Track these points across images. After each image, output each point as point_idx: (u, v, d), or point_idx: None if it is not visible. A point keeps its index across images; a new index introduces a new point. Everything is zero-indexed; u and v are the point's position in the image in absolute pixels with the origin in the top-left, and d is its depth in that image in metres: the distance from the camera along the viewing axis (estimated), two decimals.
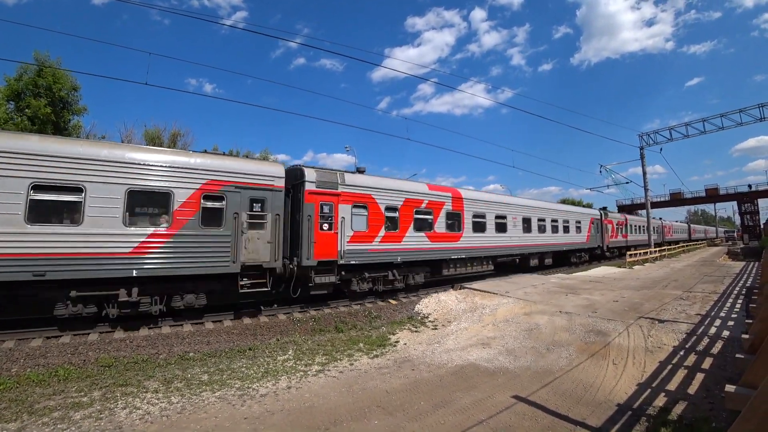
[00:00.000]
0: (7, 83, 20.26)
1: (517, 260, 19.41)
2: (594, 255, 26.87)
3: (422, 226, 13.45)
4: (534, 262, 19.85)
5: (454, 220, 14.82)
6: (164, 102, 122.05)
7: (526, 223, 19.09)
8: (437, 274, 14.60)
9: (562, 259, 23.72)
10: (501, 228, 17.26)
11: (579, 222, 23.90)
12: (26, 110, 19.87)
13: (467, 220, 15.37)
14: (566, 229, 22.41)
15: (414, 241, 12.97)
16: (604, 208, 30.10)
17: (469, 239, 15.33)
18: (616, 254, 30.70)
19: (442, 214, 14.25)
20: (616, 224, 30.06)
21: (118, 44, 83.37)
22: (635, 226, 34.68)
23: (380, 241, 11.90)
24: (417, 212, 13.26)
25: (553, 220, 21.15)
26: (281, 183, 10.02)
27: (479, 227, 16.05)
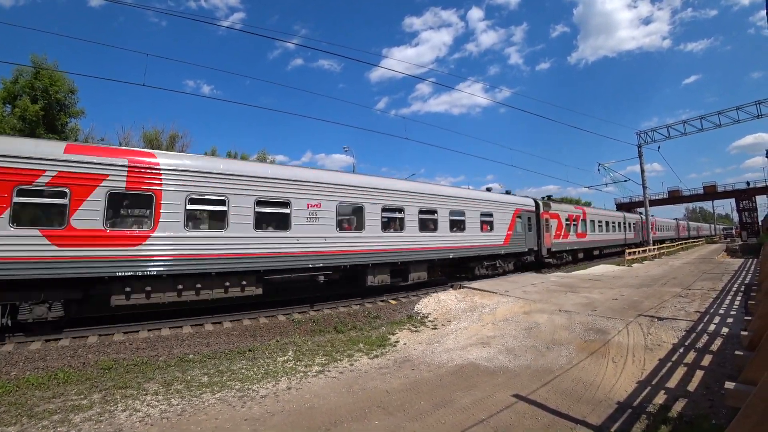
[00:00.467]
0: (3, 86, 20.22)
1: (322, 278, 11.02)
2: (525, 262, 19.55)
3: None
4: (377, 279, 12.05)
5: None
6: (162, 103, 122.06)
7: (348, 214, 11.68)
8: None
9: (459, 270, 16.07)
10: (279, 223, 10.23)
11: (489, 215, 16.64)
12: (14, 110, 19.83)
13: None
14: (459, 226, 15.06)
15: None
16: (549, 197, 24.59)
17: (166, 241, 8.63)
18: (567, 260, 23.79)
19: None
20: (566, 219, 22.99)
21: (115, 46, 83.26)
22: (600, 222, 28.27)
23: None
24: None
25: (426, 211, 13.67)
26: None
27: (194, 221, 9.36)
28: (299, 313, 10.44)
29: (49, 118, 20.79)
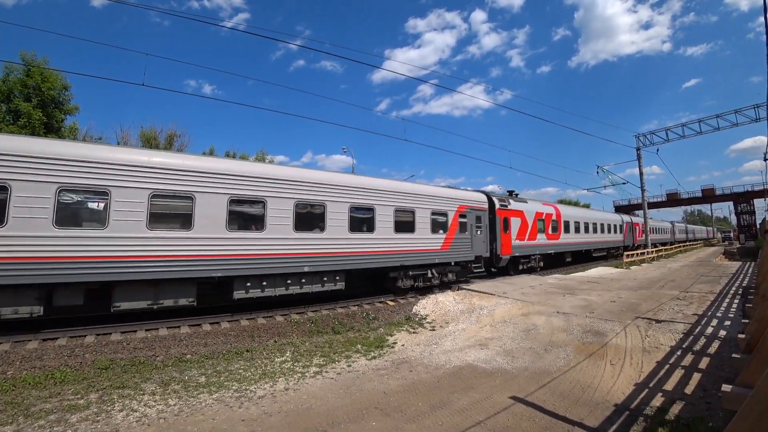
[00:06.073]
0: None
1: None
2: (474, 272, 15.95)
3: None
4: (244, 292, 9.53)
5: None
6: (163, 104, 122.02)
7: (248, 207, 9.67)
8: None
9: (382, 281, 12.83)
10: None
11: (411, 212, 13.02)
12: (20, 119, 19.67)
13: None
14: (366, 226, 11.74)
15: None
16: (511, 192, 20.44)
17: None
18: (534, 266, 19.78)
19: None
20: (533, 218, 19.49)
21: (115, 45, 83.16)
22: (578, 222, 24.48)
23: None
24: None
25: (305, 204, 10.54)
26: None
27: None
28: (297, 313, 10.42)
29: (45, 116, 20.65)
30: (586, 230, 26.03)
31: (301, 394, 5.38)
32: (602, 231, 28.71)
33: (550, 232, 21.32)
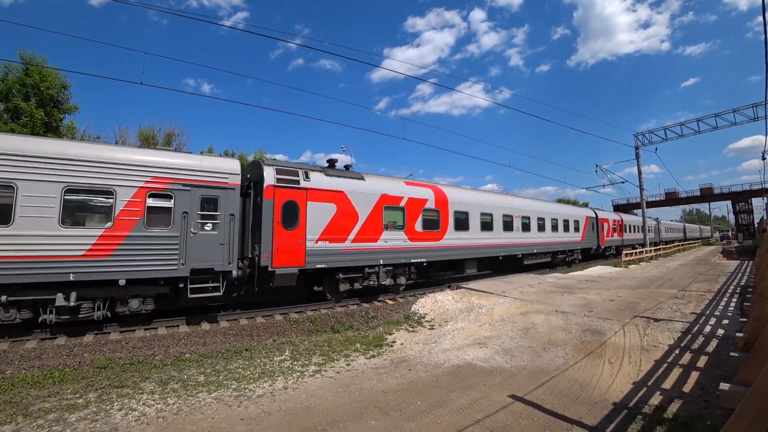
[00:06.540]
0: None
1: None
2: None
3: None
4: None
5: None
6: (162, 103, 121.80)
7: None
8: None
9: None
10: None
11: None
12: (22, 117, 19.61)
13: None
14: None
15: None
16: (330, 163, 12.56)
17: None
18: (378, 285, 12.15)
19: None
20: (376, 204, 12.30)
21: (114, 44, 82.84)
22: (486, 212, 16.64)
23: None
24: None
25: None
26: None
27: None
28: (296, 312, 10.42)
29: (45, 115, 20.60)
30: (508, 227, 17.75)
31: (300, 393, 5.38)
32: (540, 229, 20.24)
33: (419, 228, 13.31)
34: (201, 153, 10.30)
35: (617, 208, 64.27)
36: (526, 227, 19.26)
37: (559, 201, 41.20)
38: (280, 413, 4.72)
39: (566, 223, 23.17)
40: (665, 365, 6.10)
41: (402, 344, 7.97)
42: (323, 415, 4.65)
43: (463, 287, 13.44)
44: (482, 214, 16.39)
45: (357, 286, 11.63)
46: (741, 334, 5.42)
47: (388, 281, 12.38)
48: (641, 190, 31.28)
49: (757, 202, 59.74)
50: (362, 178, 12.32)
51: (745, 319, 6.54)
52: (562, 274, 18.97)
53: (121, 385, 5.64)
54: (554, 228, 21.80)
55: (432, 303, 11.53)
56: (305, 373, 6.21)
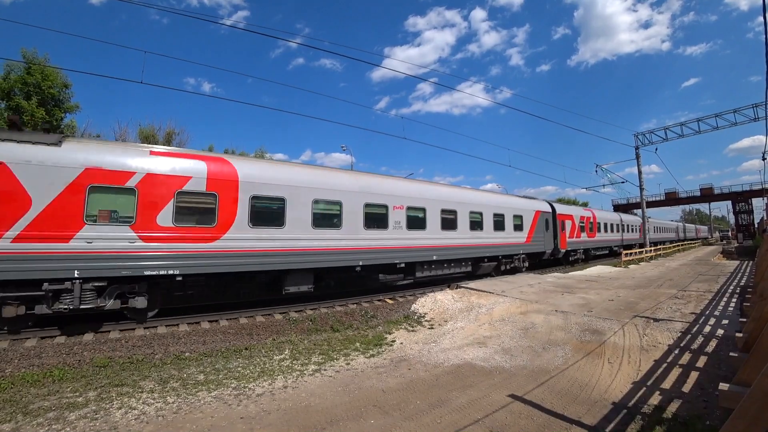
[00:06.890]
0: None
1: None
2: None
3: None
4: None
5: None
6: (162, 102, 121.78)
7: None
8: None
9: None
10: None
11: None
12: (23, 116, 19.62)
13: None
14: None
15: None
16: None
17: None
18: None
19: None
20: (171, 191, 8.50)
21: (114, 43, 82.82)
22: (353, 205, 11.64)
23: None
24: None
25: None
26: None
27: None
28: (296, 311, 10.43)
29: (46, 114, 20.62)
30: (379, 223, 12.45)
31: (300, 392, 5.38)
32: (447, 226, 14.75)
33: (166, 221, 8.57)
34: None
35: (617, 208, 64.35)
36: (416, 223, 13.55)
37: (560, 201, 39.50)
38: (279, 412, 4.72)
39: (499, 218, 17.47)
40: (665, 365, 6.10)
41: (402, 343, 7.97)
42: (323, 414, 4.65)
43: (463, 287, 13.44)
44: (318, 201, 10.92)
45: (44, 309, 7.47)
46: (740, 335, 5.43)
47: (108, 303, 8.06)
48: (641, 190, 31.28)
49: (757, 203, 59.81)
50: (57, 144, 7.89)
51: (744, 320, 6.55)
52: (561, 274, 18.98)
53: (120, 383, 5.64)
54: (476, 225, 16.23)
55: (432, 302, 11.53)
56: (305, 372, 6.21)
